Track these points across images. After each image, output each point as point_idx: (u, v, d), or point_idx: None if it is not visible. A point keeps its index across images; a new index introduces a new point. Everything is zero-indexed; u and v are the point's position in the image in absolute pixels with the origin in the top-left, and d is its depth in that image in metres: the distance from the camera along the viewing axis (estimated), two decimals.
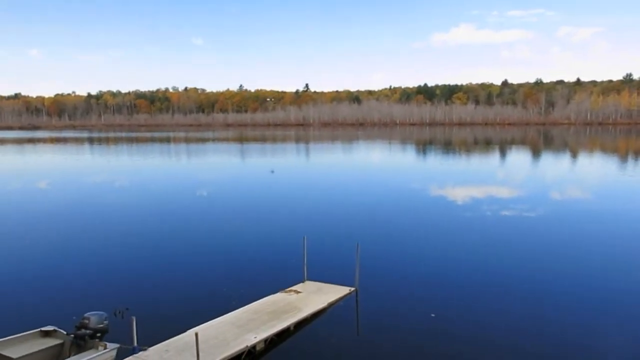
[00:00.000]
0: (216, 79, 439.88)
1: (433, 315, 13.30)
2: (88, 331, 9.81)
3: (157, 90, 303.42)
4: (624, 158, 62.07)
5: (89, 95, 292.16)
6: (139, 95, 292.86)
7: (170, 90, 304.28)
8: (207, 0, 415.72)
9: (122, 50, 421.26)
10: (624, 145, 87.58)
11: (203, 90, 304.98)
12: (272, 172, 37.49)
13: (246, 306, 13.38)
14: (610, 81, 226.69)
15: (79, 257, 19.41)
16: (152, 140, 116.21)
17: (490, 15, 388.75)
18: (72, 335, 9.93)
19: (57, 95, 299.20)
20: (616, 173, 46.04)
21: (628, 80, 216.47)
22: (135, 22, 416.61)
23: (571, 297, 14.69)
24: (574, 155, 68.15)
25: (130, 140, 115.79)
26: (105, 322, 10.00)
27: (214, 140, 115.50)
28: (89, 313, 10.04)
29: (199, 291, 15.34)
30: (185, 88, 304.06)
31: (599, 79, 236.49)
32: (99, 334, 9.90)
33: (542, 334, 12.20)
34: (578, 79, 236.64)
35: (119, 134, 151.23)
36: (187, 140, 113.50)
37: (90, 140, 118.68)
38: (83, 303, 12.93)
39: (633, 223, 24.96)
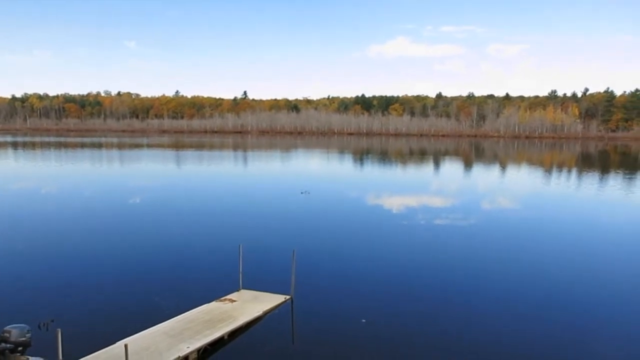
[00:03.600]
0: (151, 84, 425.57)
1: (364, 320, 13.58)
2: (9, 345, 9.33)
3: (88, 94, 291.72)
4: (549, 170, 65.59)
5: (14, 98, 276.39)
6: (68, 99, 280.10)
7: (102, 94, 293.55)
8: (139, 1, 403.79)
9: (49, 50, 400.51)
10: (548, 158, 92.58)
11: (137, 95, 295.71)
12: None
13: (179, 316, 13.16)
14: (537, 97, 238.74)
15: None
16: (82, 145, 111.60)
17: (425, 30, 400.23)
18: None
19: None
20: (542, 184, 48.58)
21: (553, 97, 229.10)
22: (62, 21, 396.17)
23: (498, 301, 15.40)
24: (504, 167, 71.29)
25: (59, 146, 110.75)
26: (27, 335, 9.54)
27: (148, 146, 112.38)
28: (9, 326, 9.55)
29: (130, 301, 14.91)
30: (119, 92, 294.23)
31: (526, 94, 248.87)
32: (20, 348, 9.43)
33: (468, 337, 12.71)
34: (507, 94, 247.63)
35: (45, 139, 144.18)
36: (120, 146, 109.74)
37: (15, 145, 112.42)
38: (3, 316, 12.21)
39: (557, 228, 26.50)
